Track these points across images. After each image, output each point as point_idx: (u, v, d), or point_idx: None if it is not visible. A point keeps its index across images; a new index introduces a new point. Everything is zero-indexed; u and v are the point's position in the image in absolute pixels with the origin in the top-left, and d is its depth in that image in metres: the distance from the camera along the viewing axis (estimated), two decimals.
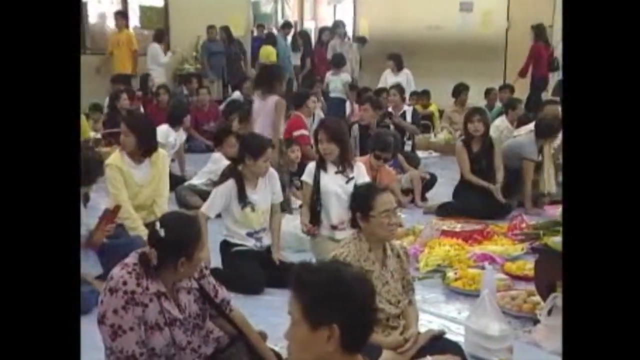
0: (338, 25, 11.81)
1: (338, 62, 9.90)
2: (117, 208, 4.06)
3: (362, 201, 2.98)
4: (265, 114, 6.08)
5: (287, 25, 12.75)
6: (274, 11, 15.75)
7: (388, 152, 5.33)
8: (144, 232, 4.42)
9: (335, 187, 4.30)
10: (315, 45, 12.62)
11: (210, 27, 11.69)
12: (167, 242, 2.36)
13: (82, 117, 7.68)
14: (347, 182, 4.30)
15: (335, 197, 4.28)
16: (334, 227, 4.30)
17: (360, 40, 12.07)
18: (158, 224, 2.40)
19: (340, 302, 1.57)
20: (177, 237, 2.38)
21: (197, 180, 6.19)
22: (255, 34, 13.22)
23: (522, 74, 9.77)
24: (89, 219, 3.96)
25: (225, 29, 11.65)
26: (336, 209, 4.27)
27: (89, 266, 3.98)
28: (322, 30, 12.58)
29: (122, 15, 10.62)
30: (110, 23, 12.12)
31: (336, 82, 9.70)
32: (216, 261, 4.13)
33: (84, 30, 11.66)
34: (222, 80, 12.04)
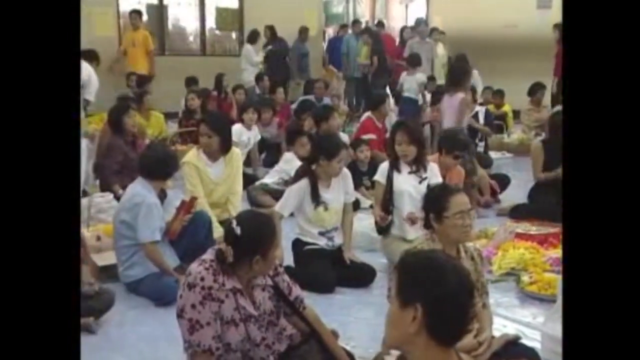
0: (419, 23, 11.70)
1: (414, 62, 9.82)
2: (194, 199, 4.24)
3: (435, 202, 2.95)
4: (452, 109, 6.21)
5: (356, 24, 12.75)
6: (345, 11, 15.78)
7: (467, 152, 5.22)
8: (218, 230, 4.54)
9: (409, 187, 4.26)
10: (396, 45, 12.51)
11: (304, 28, 11.75)
12: (243, 240, 2.40)
13: (161, 116, 7.92)
14: (420, 182, 4.27)
15: (408, 197, 4.25)
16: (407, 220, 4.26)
17: (437, 31, 11.75)
18: (234, 222, 2.44)
19: (429, 285, 1.59)
20: (252, 235, 2.41)
21: (268, 179, 6.27)
22: (332, 34, 13.28)
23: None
24: (165, 214, 4.09)
25: (270, 28, 11.56)
26: (409, 209, 4.24)
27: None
28: (402, 29, 12.51)
29: (138, 15, 10.41)
30: (189, 25, 12.47)
31: (411, 82, 9.63)
32: (288, 259, 4.18)
33: (163, 32, 12.05)
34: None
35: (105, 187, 5.59)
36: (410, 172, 4.30)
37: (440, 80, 9.91)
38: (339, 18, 14.84)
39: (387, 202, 4.31)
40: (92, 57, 7.81)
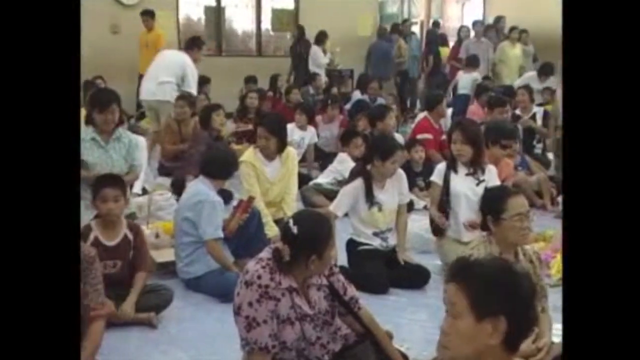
0: (476, 23, 11.58)
1: (472, 62, 9.81)
2: (252, 199, 4.33)
3: (493, 204, 2.92)
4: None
5: (405, 24, 12.67)
6: (400, 11, 15.67)
7: (514, 140, 5.08)
8: (273, 228, 4.60)
9: (465, 189, 4.22)
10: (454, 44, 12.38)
11: (382, 28, 11.67)
12: (300, 239, 2.41)
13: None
14: (477, 184, 4.21)
15: (465, 199, 4.21)
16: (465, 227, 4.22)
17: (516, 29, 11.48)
18: (291, 221, 2.46)
19: (508, 293, 1.56)
20: (309, 235, 2.43)
21: (322, 180, 6.29)
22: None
23: None
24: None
25: (299, 28, 11.49)
26: (465, 211, 4.19)
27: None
28: (460, 29, 12.38)
29: (150, 16, 10.10)
30: (246, 26, 12.63)
31: (466, 80, 9.58)
32: (342, 260, 4.19)
33: (220, 33, 12.23)
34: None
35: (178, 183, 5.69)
36: (467, 174, 4.25)
37: (509, 81, 9.86)
38: (394, 18, 14.73)
39: (444, 204, 4.27)
40: (196, 44, 7.83)
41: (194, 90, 7.34)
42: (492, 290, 1.56)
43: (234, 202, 4.37)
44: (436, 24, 13.37)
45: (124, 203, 3.60)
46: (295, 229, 2.42)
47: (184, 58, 7.53)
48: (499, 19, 11.46)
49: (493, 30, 10.97)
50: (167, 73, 7.38)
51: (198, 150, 5.81)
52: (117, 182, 3.58)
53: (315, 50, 11.07)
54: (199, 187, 4.06)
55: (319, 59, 10.99)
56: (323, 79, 10.77)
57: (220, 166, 4.14)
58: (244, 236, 4.22)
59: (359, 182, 4.13)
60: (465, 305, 1.58)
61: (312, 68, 10.94)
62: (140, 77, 9.56)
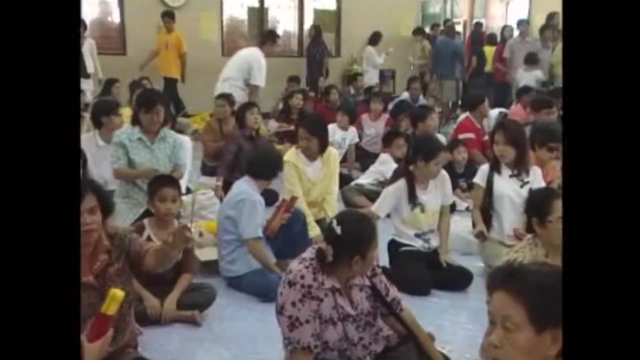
0: (521, 23, 11.42)
1: (532, 60, 9.70)
2: (294, 199, 4.36)
3: (539, 206, 2.88)
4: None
5: (447, 23, 12.54)
6: (442, 10, 15.54)
7: (560, 142, 4.98)
8: (315, 229, 4.62)
9: (509, 191, 4.15)
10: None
11: (449, 26, 11.60)
12: (343, 239, 2.42)
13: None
14: (521, 186, 4.15)
15: (508, 201, 4.14)
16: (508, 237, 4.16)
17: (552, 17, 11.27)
18: (335, 222, 2.47)
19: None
20: (353, 235, 2.43)
21: (363, 180, 6.29)
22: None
23: None
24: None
25: (316, 28, 11.37)
26: (509, 214, 4.14)
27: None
28: (504, 28, 12.24)
29: (171, 17, 10.06)
30: (289, 27, 12.70)
31: (528, 78, 9.44)
32: (384, 260, 4.18)
33: (262, 34, 12.32)
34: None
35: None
36: (511, 176, 4.19)
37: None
38: (436, 18, 14.63)
39: (487, 206, 4.22)
40: (269, 38, 7.87)
41: (260, 82, 7.39)
42: (551, 301, 1.50)
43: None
44: (479, 25, 13.22)
45: (179, 204, 3.65)
46: (338, 230, 2.43)
47: (252, 53, 7.61)
48: (552, 16, 11.18)
49: (550, 29, 10.72)
50: (232, 70, 7.51)
51: (230, 150, 5.87)
52: (174, 183, 3.64)
53: (370, 50, 11.03)
54: (242, 187, 4.10)
55: (373, 59, 10.95)
56: (376, 79, 10.69)
57: (264, 166, 4.18)
58: (289, 237, 4.25)
59: (401, 183, 4.12)
60: (524, 318, 1.51)
61: (366, 68, 10.90)
62: (165, 79, 9.70)
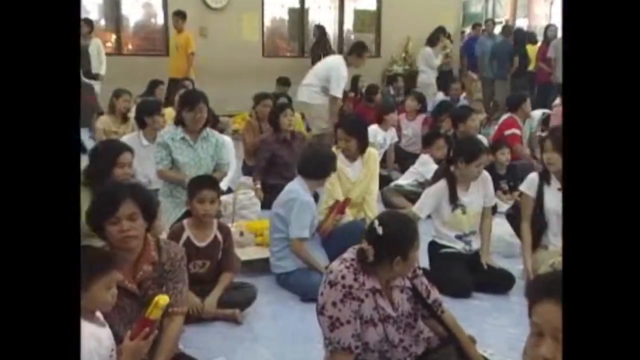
0: None
1: None
2: (348, 200, 4.38)
3: None
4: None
5: (488, 23, 12.40)
6: (484, 10, 15.40)
7: None
8: None
9: (558, 206, 3.79)
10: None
11: (507, 26, 11.44)
12: (385, 240, 2.42)
13: (299, 117, 8.13)
14: None
15: (556, 217, 3.88)
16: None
17: None
18: (376, 222, 2.47)
19: None
20: (394, 236, 2.43)
21: (403, 181, 6.26)
22: (469, 33, 13.01)
23: None
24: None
25: (320, 28, 11.15)
26: (556, 227, 3.90)
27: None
28: (547, 28, 12.07)
29: (180, 16, 9.80)
30: (329, 27, 12.72)
31: None
32: (424, 262, 4.16)
33: (303, 35, 12.38)
34: None
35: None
36: (559, 189, 3.88)
37: None
38: (478, 17, 14.51)
39: (537, 218, 4.03)
40: (355, 50, 7.51)
41: (336, 93, 7.13)
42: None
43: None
44: (507, 27, 13.05)
45: (218, 205, 3.69)
46: (380, 230, 2.43)
47: (334, 61, 7.41)
48: None
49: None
50: (312, 76, 7.34)
51: (263, 156, 5.89)
52: (213, 184, 3.66)
53: (428, 51, 10.95)
54: (293, 186, 4.13)
55: (431, 60, 10.87)
56: (433, 80, 10.59)
57: (315, 166, 4.19)
58: (349, 242, 4.16)
59: (442, 184, 4.09)
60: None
61: (422, 69, 10.83)
62: (171, 80, 9.24)
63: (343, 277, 2.44)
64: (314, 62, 10.87)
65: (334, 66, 7.19)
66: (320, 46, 11.02)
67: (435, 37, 10.88)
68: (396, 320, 2.53)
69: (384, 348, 2.53)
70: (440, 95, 9.83)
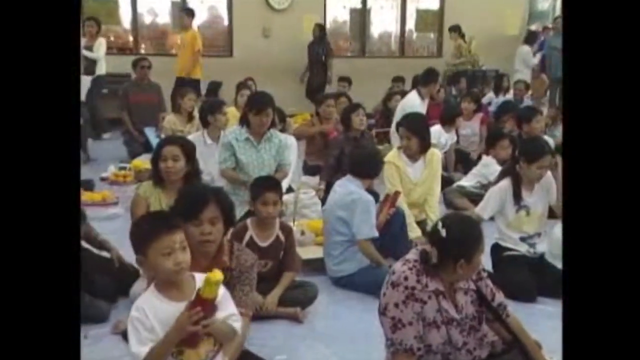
0: None
1: None
2: (398, 193, 4.38)
3: None
4: None
5: (559, 21, 12.04)
6: (552, 7, 15.00)
7: None
8: (416, 230, 4.59)
9: None
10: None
11: (555, 19, 11.10)
12: (448, 242, 2.39)
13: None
14: None
15: None
16: None
17: None
18: (440, 224, 2.45)
19: None
20: (458, 238, 2.40)
21: (465, 182, 6.19)
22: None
23: None
24: None
25: (320, 27, 10.79)
26: None
27: None
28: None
29: (188, 13, 9.47)
30: (390, 27, 12.67)
31: None
32: (487, 264, 4.09)
33: (364, 35, 12.37)
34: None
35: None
36: None
37: None
38: (545, 15, 14.13)
39: None
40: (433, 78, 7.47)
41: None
42: None
43: None
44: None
45: (280, 206, 3.72)
46: (444, 232, 2.40)
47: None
48: None
49: None
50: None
51: (333, 154, 5.91)
52: (276, 186, 3.69)
53: (526, 50, 10.72)
54: (349, 187, 4.12)
55: (529, 59, 10.62)
56: (528, 79, 10.36)
57: (367, 165, 4.20)
58: (389, 234, 4.24)
59: (506, 183, 4.02)
60: None
61: (518, 67, 10.61)
62: (178, 79, 9.11)
63: (406, 279, 2.42)
64: (311, 61, 10.79)
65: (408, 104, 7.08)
66: (320, 46, 10.75)
67: (533, 36, 10.58)
68: (460, 323, 2.50)
69: (447, 351, 2.50)
70: (491, 96, 9.63)
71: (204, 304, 2.09)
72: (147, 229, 2.16)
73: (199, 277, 2.18)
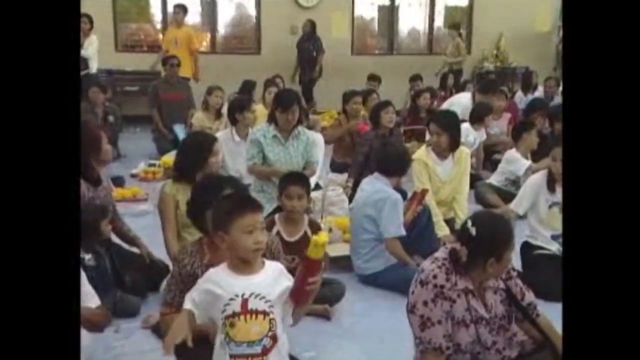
0: None
1: None
2: (425, 191, 4.36)
3: None
4: None
5: None
6: None
7: None
8: (444, 228, 4.56)
9: None
10: None
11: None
12: (478, 240, 2.37)
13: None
14: None
15: None
16: None
17: None
18: (470, 222, 2.43)
19: None
20: (488, 237, 2.38)
21: (494, 180, 6.12)
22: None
23: None
24: None
25: (311, 23, 10.48)
26: None
27: None
28: None
29: (181, 10, 9.16)
30: (418, 24, 12.60)
31: None
32: (517, 263, 4.05)
33: (392, 32, 12.32)
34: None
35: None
36: None
37: None
38: None
39: None
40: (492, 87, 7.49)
41: None
42: None
43: None
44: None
45: (307, 201, 3.73)
46: (473, 230, 2.38)
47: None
48: None
49: None
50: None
51: (361, 151, 5.90)
52: (302, 181, 3.69)
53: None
54: (377, 185, 4.12)
55: None
56: None
57: (395, 163, 4.19)
58: (415, 231, 4.24)
59: (540, 176, 4.01)
60: None
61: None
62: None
63: (435, 277, 2.41)
64: (301, 57, 10.54)
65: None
66: (310, 42, 10.47)
67: None
68: (489, 322, 2.48)
69: (476, 350, 2.48)
70: (520, 94, 9.52)
71: (312, 265, 2.22)
72: (232, 206, 2.27)
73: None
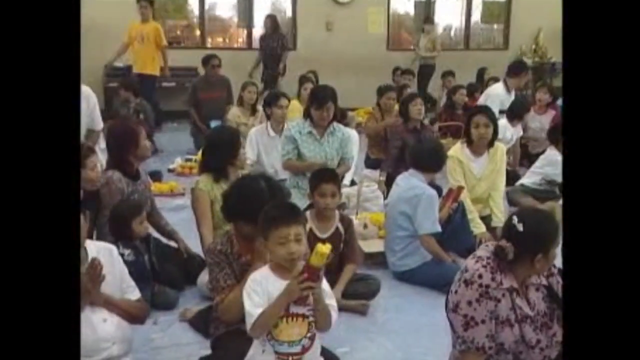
0: None
1: None
2: (461, 188, 4.32)
3: None
4: None
5: None
6: None
7: None
8: (480, 226, 4.53)
9: None
10: None
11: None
12: (526, 237, 2.32)
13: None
14: None
15: None
16: None
17: None
18: (516, 219, 2.38)
19: None
20: (536, 232, 2.33)
21: (527, 180, 6.00)
22: None
23: None
24: None
25: (272, 19, 9.86)
26: None
27: None
28: None
29: (148, 3, 8.51)
30: (455, 19, 12.48)
31: None
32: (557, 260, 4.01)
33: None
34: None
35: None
36: None
37: None
38: None
39: None
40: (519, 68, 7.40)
41: None
42: None
43: None
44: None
45: (338, 198, 3.74)
46: (520, 227, 2.33)
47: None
48: None
49: None
50: None
51: (394, 145, 5.88)
52: (334, 178, 3.70)
53: None
54: (412, 181, 4.10)
55: None
56: None
57: (430, 159, 4.17)
58: (449, 228, 4.21)
59: None
60: None
61: None
62: (138, 76, 8.52)
63: (480, 276, 2.36)
64: (265, 55, 9.80)
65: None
66: (273, 38, 9.77)
67: None
68: (533, 320, 2.42)
69: (519, 349, 2.42)
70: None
71: (311, 272, 2.25)
72: (269, 218, 2.37)
73: None
